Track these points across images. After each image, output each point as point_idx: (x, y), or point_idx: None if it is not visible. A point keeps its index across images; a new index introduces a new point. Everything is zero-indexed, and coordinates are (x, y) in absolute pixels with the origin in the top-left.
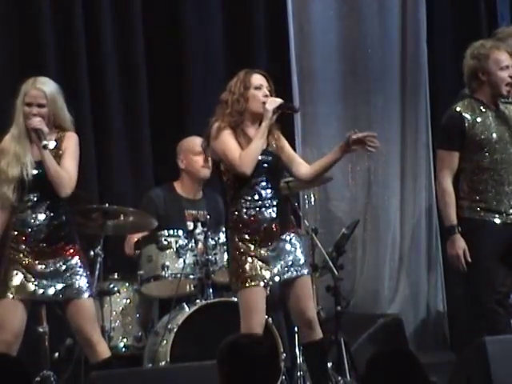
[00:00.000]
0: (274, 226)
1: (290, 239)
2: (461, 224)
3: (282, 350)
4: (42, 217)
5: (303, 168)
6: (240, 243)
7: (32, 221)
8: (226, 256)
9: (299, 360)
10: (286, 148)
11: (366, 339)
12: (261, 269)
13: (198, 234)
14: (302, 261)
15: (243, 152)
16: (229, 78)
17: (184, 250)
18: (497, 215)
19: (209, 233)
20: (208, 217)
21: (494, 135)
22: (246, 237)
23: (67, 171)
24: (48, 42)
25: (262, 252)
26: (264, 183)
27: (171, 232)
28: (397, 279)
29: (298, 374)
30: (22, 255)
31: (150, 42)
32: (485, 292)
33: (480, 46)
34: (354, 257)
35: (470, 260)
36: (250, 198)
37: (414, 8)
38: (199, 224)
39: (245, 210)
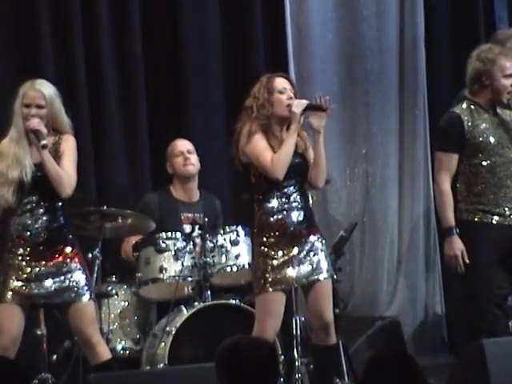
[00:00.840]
0: (300, 229)
1: (315, 242)
2: (459, 226)
3: (280, 352)
4: (40, 220)
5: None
6: (264, 247)
7: (31, 224)
8: (224, 258)
9: (297, 363)
10: (310, 150)
11: (364, 341)
12: (284, 273)
13: (196, 236)
14: (325, 264)
15: (275, 156)
16: (226, 81)
17: (182, 253)
18: (495, 217)
19: (207, 235)
20: (206, 219)
21: (492, 138)
22: (272, 240)
23: (67, 171)
24: (46, 44)
25: (287, 256)
26: (292, 187)
27: (169, 234)
28: (395, 281)
29: (296, 376)
30: (20, 258)
31: (148, 41)
32: (483, 294)
33: (488, 49)
34: (352, 259)
35: (467, 261)
36: (278, 201)
37: (412, 10)
38: (197, 227)
39: (272, 214)
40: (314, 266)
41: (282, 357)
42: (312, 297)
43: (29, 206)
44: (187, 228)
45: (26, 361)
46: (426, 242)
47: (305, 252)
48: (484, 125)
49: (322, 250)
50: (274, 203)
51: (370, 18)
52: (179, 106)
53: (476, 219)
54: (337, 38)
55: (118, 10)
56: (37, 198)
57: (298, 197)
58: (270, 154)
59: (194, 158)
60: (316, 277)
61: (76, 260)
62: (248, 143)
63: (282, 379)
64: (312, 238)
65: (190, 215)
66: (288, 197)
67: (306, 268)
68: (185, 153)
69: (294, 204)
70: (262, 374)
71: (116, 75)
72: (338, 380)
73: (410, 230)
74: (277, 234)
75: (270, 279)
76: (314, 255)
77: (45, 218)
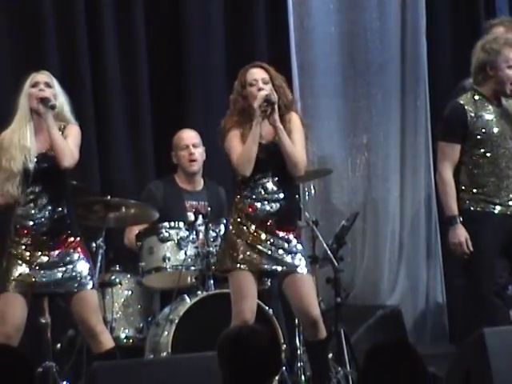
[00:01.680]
0: (271, 219)
1: (288, 239)
2: (461, 216)
3: (282, 341)
4: (44, 209)
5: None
6: (238, 227)
7: (34, 214)
8: None
9: (299, 351)
10: (292, 134)
11: (365, 330)
12: (252, 256)
13: (199, 225)
14: (302, 257)
15: (238, 154)
16: (228, 70)
17: (185, 242)
18: (497, 207)
19: (210, 225)
20: (209, 209)
21: (495, 129)
22: (244, 222)
23: (70, 145)
24: (50, 39)
25: (257, 241)
26: (270, 178)
27: (172, 224)
28: (396, 271)
29: (299, 364)
30: (23, 247)
31: (151, 36)
32: (485, 283)
33: (493, 40)
34: (354, 249)
35: (472, 249)
36: (255, 191)
37: (414, 2)
38: (200, 216)
39: (246, 200)
40: (283, 259)
41: (285, 345)
42: (293, 293)
43: (32, 196)
44: (190, 216)
45: (31, 349)
46: (427, 232)
47: (275, 244)
48: (487, 116)
49: (295, 244)
50: (250, 193)
51: (371, 10)
52: (182, 96)
53: (478, 209)
54: (338, 29)
55: (122, 9)
56: (40, 188)
57: (275, 188)
58: (238, 150)
59: (198, 153)
60: (286, 268)
61: (79, 250)
62: (224, 140)
63: (284, 367)
64: (285, 233)
65: (194, 203)
66: (265, 188)
67: (275, 258)
68: (190, 147)
69: (270, 195)
70: (263, 363)
71: (119, 66)
72: (339, 368)
73: (411, 219)
74: (246, 214)
75: (239, 257)
76: (285, 249)
77: (49, 208)
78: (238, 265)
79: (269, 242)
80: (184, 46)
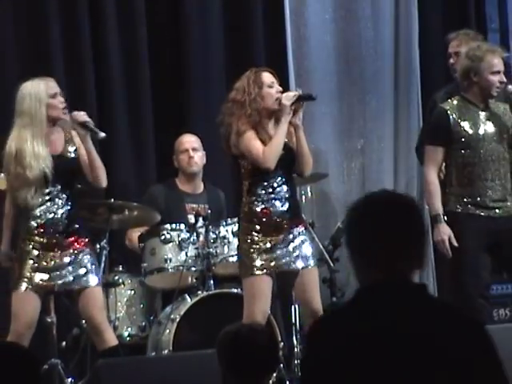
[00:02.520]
0: (284, 219)
1: (299, 233)
2: (447, 216)
3: (280, 339)
4: (60, 209)
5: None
6: (250, 234)
7: (52, 213)
8: (226, 249)
9: (296, 349)
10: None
11: None
12: (268, 259)
13: (200, 227)
14: (309, 253)
15: (266, 148)
16: (227, 77)
17: (186, 244)
18: (482, 208)
19: (210, 226)
20: (209, 211)
21: (481, 132)
22: (257, 227)
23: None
24: (55, 49)
25: (271, 243)
26: (279, 178)
27: (173, 226)
28: None
29: (296, 362)
30: (37, 246)
31: (153, 43)
32: (470, 284)
33: (476, 47)
34: None
35: (455, 244)
36: (264, 191)
37: (406, 11)
38: (200, 218)
39: (258, 203)
40: (297, 255)
41: (282, 343)
42: (299, 285)
43: (49, 197)
44: (191, 218)
45: (37, 347)
46: None
47: (288, 241)
48: (472, 119)
49: (305, 241)
50: (260, 193)
51: (365, 20)
52: (183, 101)
53: (463, 210)
54: (334, 38)
55: (124, 14)
56: (58, 188)
57: (285, 188)
58: (261, 147)
59: (197, 156)
60: (300, 265)
61: (88, 249)
62: (240, 141)
63: (281, 364)
64: (296, 229)
65: (194, 206)
66: (274, 188)
67: (289, 256)
68: (189, 150)
69: (280, 195)
70: (262, 360)
71: (122, 75)
72: None
73: None
74: (261, 222)
75: (255, 263)
76: (297, 244)
77: (65, 208)
78: (254, 269)
79: (284, 243)
80: (185, 58)
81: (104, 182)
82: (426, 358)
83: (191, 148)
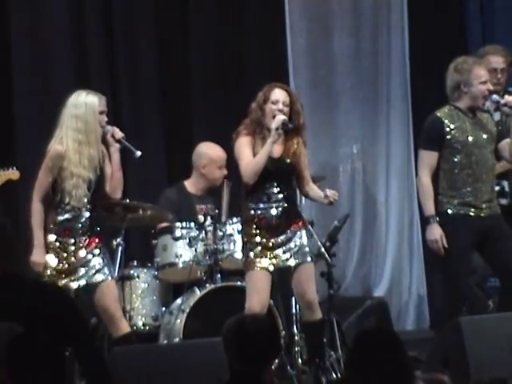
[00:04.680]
0: (280, 222)
1: (296, 232)
2: (440, 217)
3: (281, 328)
4: (86, 211)
5: (305, 185)
6: (250, 234)
7: (79, 215)
8: (232, 245)
9: (296, 337)
10: (301, 157)
11: (355, 319)
12: (267, 257)
13: (208, 226)
14: (306, 250)
15: (248, 164)
16: (231, 91)
17: (195, 241)
18: (472, 209)
19: (217, 225)
20: (216, 211)
21: (471, 138)
22: (256, 229)
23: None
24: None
25: (270, 243)
26: (274, 188)
27: (184, 224)
28: (382, 266)
29: (296, 349)
30: (65, 245)
31: (161, 55)
32: (462, 278)
33: (463, 61)
34: (345, 246)
35: (446, 245)
36: (259, 198)
37: (398, 26)
38: (209, 217)
39: (255, 208)
40: (295, 252)
41: (283, 332)
42: (296, 279)
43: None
44: (201, 218)
45: None
46: (409, 232)
47: (286, 240)
48: (463, 126)
49: (301, 239)
50: (257, 201)
51: (362, 35)
52: (189, 111)
53: (455, 211)
54: (333, 52)
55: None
56: (91, 193)
57: (280, 196)
58: (248, 158)
59: (225, 170)
60: (297, 261)
61: (100, 247)
62: (235, 143)
63: (283, 352)
64: (293, 229)
65: (203, 206)
66: (270, 197)
67: (286, 254)
68: (223, 168)
69: (274, 204)
70: (264, 347)
71: (130, 85)
72: (332, 352)
73: (396, 220)
74: (260, 225)
75: (255, 260)
76: (294, 243)
77: (89, 210)
78: (254, 265)
79: (281, 242)
80: (190, 70)
81: (119, 194)
82: None
83: (224, 164)
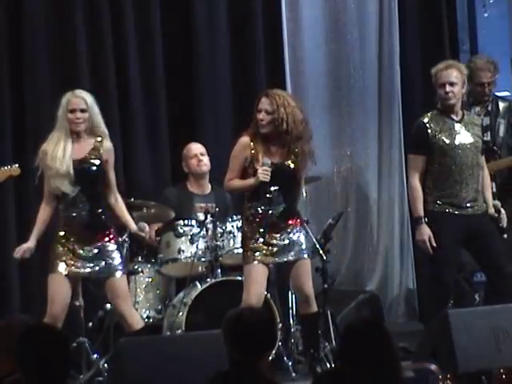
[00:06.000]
0: (279, 220)
1: (294, 230)
2: (426, 215)
3: (278, 320)
4: (84, 207)
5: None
6: (248, 232)
7: (77, 211)
8: (232, 242)
9: (293, 329)
10: (301, 167)
11: (348, 311)
12: (265, 253)
13: (209, 223)
14: (303, 247)
15: (229, 182)
16: (233, 94)
17: (197, 237)
18: (456, 208)
19: (217, 222)
20: (216, 209)
21: (456, 141)
22: (256, 227)
23: (114, 184)
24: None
25: (269, 240)
26: (276, 192)
27: (186, 222)
28: (374, 261)
29: (292, 341)
30: (71, 239)
31: (167, 54)
32: (447, 273)
33: (437, 65)
34: (339, 243)
35: (434, 245)
36: (260, 200)
37: (389, 35)
38: (209, 215)
39: (255, 210)
40: (292, 248)
41: (280, 324)
42: (293, 274)
43: (73, 195)
44: (201, 216)
45: (67, 327)
46: (400, 229)
47: (284, 237)
48: (448, 130)
49: (299, 236)
50: (257, 203)
51: (353, 42)
52: (193, 112)
53: (441, 210)
54: (326, 58)
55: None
56: (79, 188)
57: (281, 198)
58: (234, 171)
59: (206, 159)
60: (294, 257)
61: (113, 241)
62: (234, 146)
63: (280, 343)
64: (291, 227)
65: (203, 205)
66: (270, 200)
67: (284, 250)
68: (198, 155)
69: (274, 204)
70: (262, 339)
71: (141, 88)
72: (326, 344)
73: (387, 219)
74: (260, 223)
75: (253, 255)
76: (292, 240)
77: (88, 206)
78: (252, 260)
79: (279, 238)
80: (196, 72)
81: (112, 198)
82: None
83: (199, 153)
